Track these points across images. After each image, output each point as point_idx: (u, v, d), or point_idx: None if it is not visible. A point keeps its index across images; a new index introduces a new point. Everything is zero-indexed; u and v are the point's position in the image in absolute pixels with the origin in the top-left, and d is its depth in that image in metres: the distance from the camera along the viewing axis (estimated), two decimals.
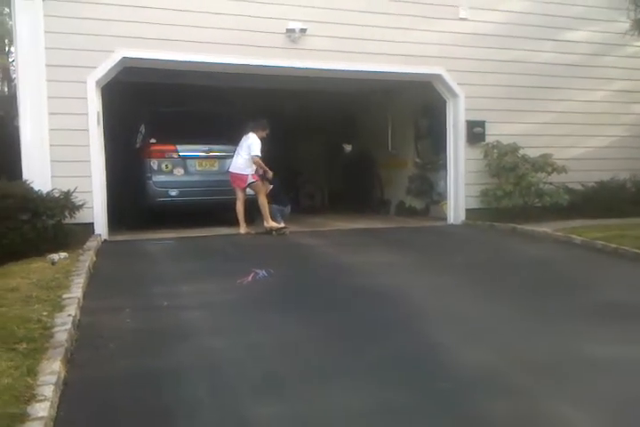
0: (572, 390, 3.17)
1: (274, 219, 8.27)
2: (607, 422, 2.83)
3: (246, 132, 8.34)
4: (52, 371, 3.18)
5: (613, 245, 6.67)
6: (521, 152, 9.26)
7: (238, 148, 8.34)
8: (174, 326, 4.22)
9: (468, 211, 9.59)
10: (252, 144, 8.17)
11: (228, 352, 3.73)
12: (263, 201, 8.19)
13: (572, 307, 4.70)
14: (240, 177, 8.27)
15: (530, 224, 8.51)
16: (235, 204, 8.42)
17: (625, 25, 9.28)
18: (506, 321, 4.39)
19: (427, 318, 4.44)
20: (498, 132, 9.52)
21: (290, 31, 8.41)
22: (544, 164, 9.18)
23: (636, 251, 6.35)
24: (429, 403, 3.01)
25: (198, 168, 9.09)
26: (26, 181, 7.17)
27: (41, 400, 2.83)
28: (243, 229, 8.28)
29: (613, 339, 3.93)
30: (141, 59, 7.91)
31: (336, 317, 4.46)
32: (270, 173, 8.32)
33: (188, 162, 9.02)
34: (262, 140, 8.30)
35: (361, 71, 8.96)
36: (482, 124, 9.56)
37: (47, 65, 7.50)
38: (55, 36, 7.48)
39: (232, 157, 8.53)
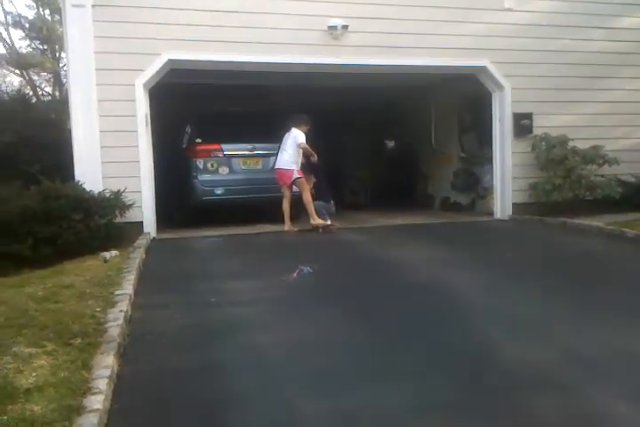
0: (625, 386, 3.08)
1: (320, 216, 8.29)
2: None
3: (289, 129, 8.39)
4: (105, 365, 3.28)
5: None
6: (570, 144, 9.02)
7: (282, 144, 8.38)
8: (222, 321, 4.29)
9: (516, 205, 9.41)
10: (297, 136, 8.21)
11: (276, 348, 3.76)
12: (308, 198, 8.22)
13: (625, 303, 4.56)
14: (285, 173, 8.32)
15: (580, 218, 8.30)
16: (280, 201, 8.49)
17: None
18: (557, 317, 4.28)
19: (476, 314, 4.38)
20: (546, 124, 9.31)
21: (332, 28, 8.42)
22: (594, 155, 8.93)
23: None
24: (479, 400, 2.98)
25: (243, 166, 9.21)
26: (78, 181, 7.41)
27: (96, 393, 2.92)
28: (287, 226, 8.35)
29: None
30: (186, 60, 8.05)
31: (383, 313, 4.45)
32: (316, 157, 8.31)
33: (233, 160, 9.15)
34: (305, 135, 8.34)
35: (403, 66, 8.90)
36: (529, 116, 9.36)
37: (97, 69, 7.71)
38: (104, 40, 7.69)
39: (275, 154, 8.62)
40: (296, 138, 8.21)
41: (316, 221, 8.20)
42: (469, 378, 3.25)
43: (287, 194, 8.42)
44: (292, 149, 8.25)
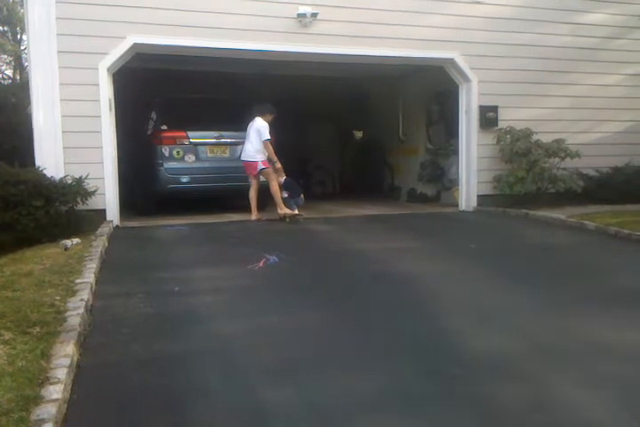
0: (584, 374, 3.16)
1: (288, 206, 8.25)
2: (614, 404, 2.82)
3: (252, 118, 8.32)
4: (65, 354, 3.20)
5: (627, 231, 6.61)
6: (534, 137, 9.16)
7: (247, 134, 8.32)
8: (186, 310, 4.24)
9: (480, 197, 9.54)
10: (260, 128, 8.15)
11: (240, 337, 3.74)
12: (275, 188, 8.18)
13: (585, 292, 4.67)
14: (251, 164, 8.27)
15: (543, 210, 8.45)
16: (247, 190, 8.44)
17: None
18: (518, 306, 4.37)
19: (440, 304, 4.43)
20: (511, 117, 9.43)
21: (301, 16, 8.34)
22: (557, 149, 9.08)
23: None
24: (443, 388, 3.01)
25: (209, 155, 9.09)
26: (39, 167, 7.22)
27: (55, 383, 2.86)
28: (254, 215, 8.30)
29: (625, 324, 3.90)
30: (152, 45, 7.88)
31: (347, 302, 4.47)
32: (279, 166, 8.27)
33: (199, 148, 9.02)
34: (269, 125, 8.27)
35: (372, 56, 8.87)
36: (495, 109, 9.46)
37: (59, 51, 7.50)
38: (67, 22, 7.47)
39: (243, 143, 8.53)
40: (260, 132, 8.13)
41: (283, 210, 8.17)
42: (433, 366, 3.28)
43: (254, 183, 8.37)
44: (256, 139, 8.19)
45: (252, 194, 8.37)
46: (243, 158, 8.40)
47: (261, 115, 8.27)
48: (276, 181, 8.22)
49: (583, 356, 3.41)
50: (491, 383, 3.04)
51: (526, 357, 3.41)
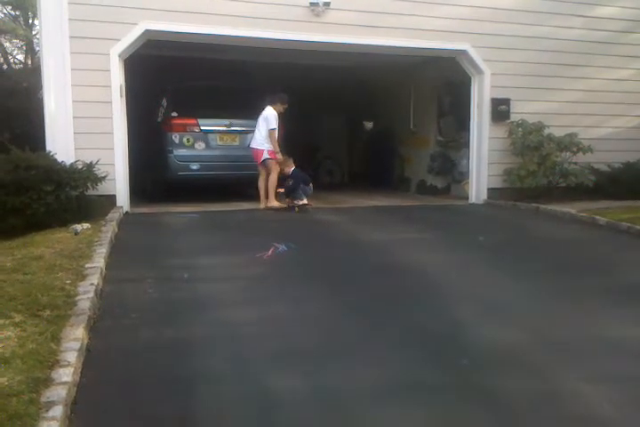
0: (590, 368, 3.15)
1: (297, 194, 8.22)
2: (619, 398, 2.81)
3: (264, 106, 8.29)
4: (75, 338, 3.23)
5: (639, 227, 6.55)
6: (546, 131, 9.09)
7: (257, 122, 8.32)
8: (195, 297, 4.25)
9: (491, 190, 9.49)
10: (267, 117, 8.15)
11: (248, 324, 3.75)
12: (274, 180, 8.20)
13: (594, 288, 4.65)
14: (257, 152, 8.29)
15: (553, 204, 8.40)
16: (256, 179, 8.44)
17: None
18: (526, 300, 4.36)
19: (446, 295, 4.42)
20: (523, 110, 9.36)
21: (313, 4, 8.29)
22: (569, 143, 9.02)
23: None
24: (448, 379, 3.01)
25: (219, 142, 9.09)
26: (49, 152, 7.23)
27: (64, 366, 2.88)
28: (263, 204, 8.30)
29: (632, 320, 3.89)
30: (164, 31, 7.86)
31: (355, 292, 4.47)
32: (280, 156, 8.23)
33: (210, 136, 9.02)
34: (281, 114, 8.26)
35: (385, 46, 8.81)
36: (507, 101, 9.39)
37: (71, 37, 7.49)
38: (79, 7, 7.45)
39: (252, 132, 8.53)
40: (268, 120, 8.14)
41: (271, 203, 8.21)
42: (439, 356, 3.28)
43: (262, 172, 8.36)
44: (264, 128, 8.20)
45: (261, 183, 8.37)
46: (251, 146, 8.43)
47: (272, 104, 8.25)
48: (276, 173, 8.19)
49: (588, 350, 3.41)
50: (498, 374, 3.04)
51: (530, 349, 3.40)
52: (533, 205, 8.47)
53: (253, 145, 8.37)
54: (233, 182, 9.45)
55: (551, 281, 4.82)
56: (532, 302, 4.29)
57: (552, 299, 4.35)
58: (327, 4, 8.31)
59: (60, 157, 7.14)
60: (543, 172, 8.94)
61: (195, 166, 8.84)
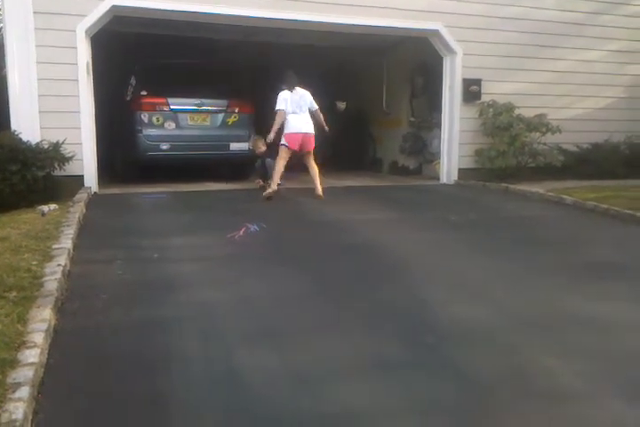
0: (557, 343, 3.22)
1: (269, 175, 8.12)
2: (588, 372, 2.89)
3: (292, 88, 7.66)
4: (42, 319, 3.19)
5: (604, 206, 6.68)
6: (516, 112, 9.16)
7: (298, 105, 7.61)
8: (165, 277, 4.23)
9: (462, 171, 9.56)
10: (311, 100, 7.70)
11: (219, 303, 3.74)
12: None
13: (559, 265, 4.74)
14: (312, 138, 7.71)
15: (523, 184, 8.52)
16: (225, 159, 8.31)
17: None
18: (493, 277, 4.43)
19: (416, 273, 4.47)
20: (494, 90, 9.41)
21: None
22: (538, 124, 9.11)
23: (628, 211, 6.37)
24: (417, 356, 3.05)
25: (190, 122, 8.96)
26: (14, 131, 7.07)
27: (31, 347, 2.84)
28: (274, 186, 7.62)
29: (597, 296, 3.98)
30: (131, 7, 7.69)
31: (326, 271, 4.49)
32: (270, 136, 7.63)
33: (180, 115, 8.88)
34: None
35: (356, 25, 8.74)
36: (478, 82, 9.43)
37: (35, 12, 7.29)
38: None
39: (223, 112, 8.40)
40: (312, 103, 7.70)
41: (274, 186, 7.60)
42: (409, 333, 3.32)
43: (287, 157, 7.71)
44: (308, 111, 7.67)
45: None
46: (309, 131, 7.67)
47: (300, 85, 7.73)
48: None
49: (554, 325, 3.48)
50: (465, 351, 3.10)
51: (499, 324, 3.47)
52: (503, 185, 8.57)
53: (311, 130, 7.70)
54: (204, 163, 9.35)
55: (519, 259, 4.91)
56: (500, 279, 4.36)
57: (519, 276, 4.43)
58: None
59: (25, 137, 6.99)
60: (513, 152, 9.03)
61: (164, 146, 8.71)
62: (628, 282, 4.32)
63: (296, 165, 8.18)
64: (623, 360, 3.02)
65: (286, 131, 7.61)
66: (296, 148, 7.65)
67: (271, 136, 7.61)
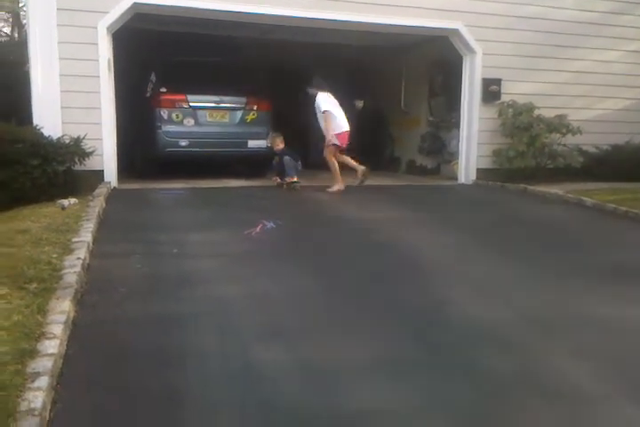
0: (571, 344, 3.20)
1: (288, 172, 8.19)
2: (597, 375, 2.87)
3: (325, 90, 8.24)
4: (61, 310, 3.23)
5: (624, 208, 6.62)
6: (536, 112, 9.09)
7: (334, 105, 8.21)
8: (182, 273, 4.25)
9: (480, 171, 9.51)
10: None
11: (236, 299, 3.76)
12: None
13: (578, 267, 4.70)
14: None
15: (541, 185, 8.44)
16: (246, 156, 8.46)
17: None
18: (511, 278, 4.41)
19: (430, 273, 4.46)
20: (514, 91, 9.34)
21: None
22: (559, 124, 9.03)
23: None
24: (433, 355, 3.05)
25: (209, 119, 9.00)
26: (36, 126, 7.16)
27: (50, 338, 2.89)
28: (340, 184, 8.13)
29: (616, 297, 3.95)
30: (153, 5, 7.74)
31: (342, 269, 4.49)
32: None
33: (199, 113, 8.92)
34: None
35: (376, 24, 8.73)
36: (498, 82, 9.37)
37: (58, 9, 7.37)
38: None
39: (242, 109, 8.54)
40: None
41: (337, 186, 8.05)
42: (425, 333, 3.32)
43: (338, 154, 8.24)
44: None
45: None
46: (348, 128, 8.26)
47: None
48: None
49: (569, 327, 3.46)
50: (481, 351, 3.09)
51: (515, 325, 3.45)
52: (521, 185, 8.51)
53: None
54: (222, 159, 9.39)
55: (536, 260, 4.87)
56: (518, 281, 4.34)
57: (538, 277, 4.40)
58: None
59: (46, 132, 7.07)
60: (532, 153, 8.97)
61: (183, 143, 8.76)
62: None
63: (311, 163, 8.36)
64: (636, 361, 3.00)
65: (335, 131, 8.07)
66: (344, 144, 8.18)
67: (331, 138, 8.04)
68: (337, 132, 8.07)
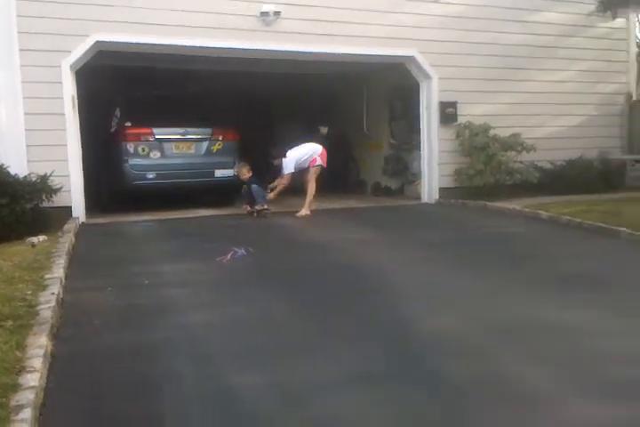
0: (530, 351, 3.39)
1: (257, 200, 8.34)
2: (556, 378, 3.05)
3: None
4: (39, 345, 3.30)
5: (578, 220, 6.94)
6: (492, 132, 9.46)
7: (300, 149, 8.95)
8: (156, 302, 4.35)
9: (442, 190, 9.81)
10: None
11: (208, 326, 3.87)
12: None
13: (533, 278, 4.92)
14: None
15: (501, 201, 8.78)
16: (212, 186, 8.69)
17: (591, 6, 9.60)
18: (473, 292, 4.60)
19: (398, 290, 4.64)
20: (470, 112, 9.71)
21: (264, 14, 8.47)
22: (514, 143, 9.42)
23: (600, 224, 6.62)
24: (401, 368, 3.20)
25: (175, 151, 9.14)
26: (2, 165, 7.18)
27: (31, 371, 2.96)
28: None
29: (571, 305, 4.15)
30: (116, 42, 7.91)
31: (312, 291, 4.64)
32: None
33: (165, 145, 9.06)
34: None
35: (335, 53, 9.04)
36: (454, 104, 9.74)
37: (20, 50, 7.49)
38: (28, 20, 7.46)
39: (207, 140, 8.88)
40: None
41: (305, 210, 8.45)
42: (391, 347, 3.48)
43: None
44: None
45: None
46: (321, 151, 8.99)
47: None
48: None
49: (527, 334, 3.65)
50: (446, 360, 3.26)
51: (474, 334, 3.63)
52: (481, 202, 8.83)
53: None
54: (190, 190, 9.52)
55: (496, 273, 5.11)
56: (477, 293, 4.54)
57: (496, 289, 4.61)
58: (277, 14, 8.49)
59: (13, 170, 7.12)
60: (490, 171, 9.32)
61: (151, 175, 8.86)
62: (598, 292, 4.52)
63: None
64: (592, 363, 3.20)
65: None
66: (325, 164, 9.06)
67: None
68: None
